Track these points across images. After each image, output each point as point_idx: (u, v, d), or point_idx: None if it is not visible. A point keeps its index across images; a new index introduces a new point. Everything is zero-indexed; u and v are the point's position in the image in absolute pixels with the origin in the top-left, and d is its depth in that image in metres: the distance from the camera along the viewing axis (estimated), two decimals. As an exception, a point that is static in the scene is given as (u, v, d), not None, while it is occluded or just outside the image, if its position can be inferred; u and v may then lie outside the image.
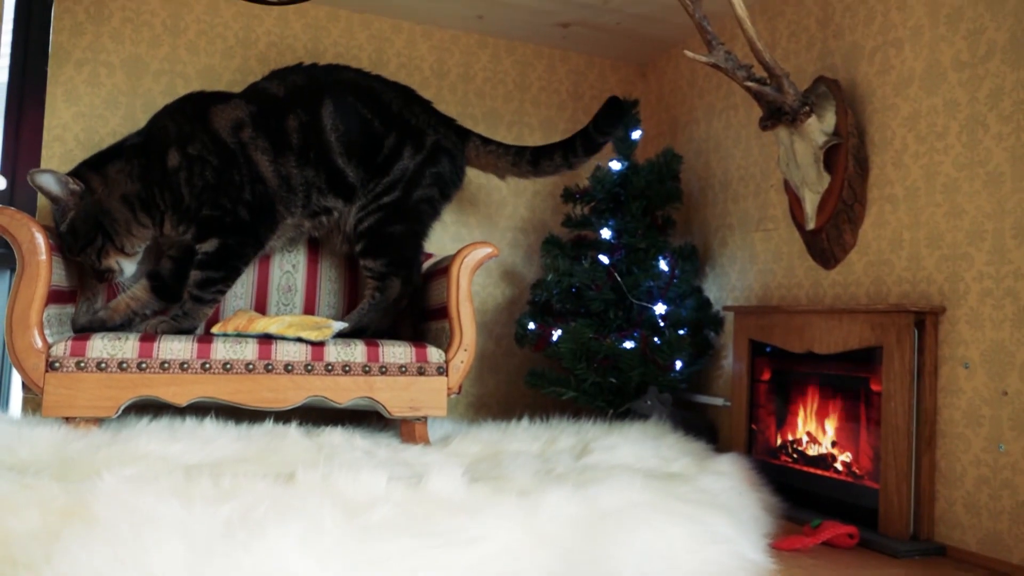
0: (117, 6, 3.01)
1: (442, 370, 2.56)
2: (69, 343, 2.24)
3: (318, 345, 2.46)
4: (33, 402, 2.69)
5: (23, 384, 2.25)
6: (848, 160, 2.49)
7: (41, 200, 2.91)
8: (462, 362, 2.59)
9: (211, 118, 2.61)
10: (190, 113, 2.61)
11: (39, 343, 2.22)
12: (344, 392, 2.45)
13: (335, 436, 2.35)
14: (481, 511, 1.64)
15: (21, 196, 3.04)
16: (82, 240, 2.46)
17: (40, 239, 2.25)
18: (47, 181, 2.42)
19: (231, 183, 2.56)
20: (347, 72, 2.83)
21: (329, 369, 2.44)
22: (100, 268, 2.51)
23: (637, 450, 2.42)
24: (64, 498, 1.42)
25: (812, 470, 2.54)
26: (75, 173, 2.49)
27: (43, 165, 2.91)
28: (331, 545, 1.38)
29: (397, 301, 2.74)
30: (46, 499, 1.42)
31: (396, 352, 2.52)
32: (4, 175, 3.10)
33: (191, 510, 1.37)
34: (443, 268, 2.72)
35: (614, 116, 2.98)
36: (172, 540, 1.25)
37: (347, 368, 2.46)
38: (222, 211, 2.55)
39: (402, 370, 2.52)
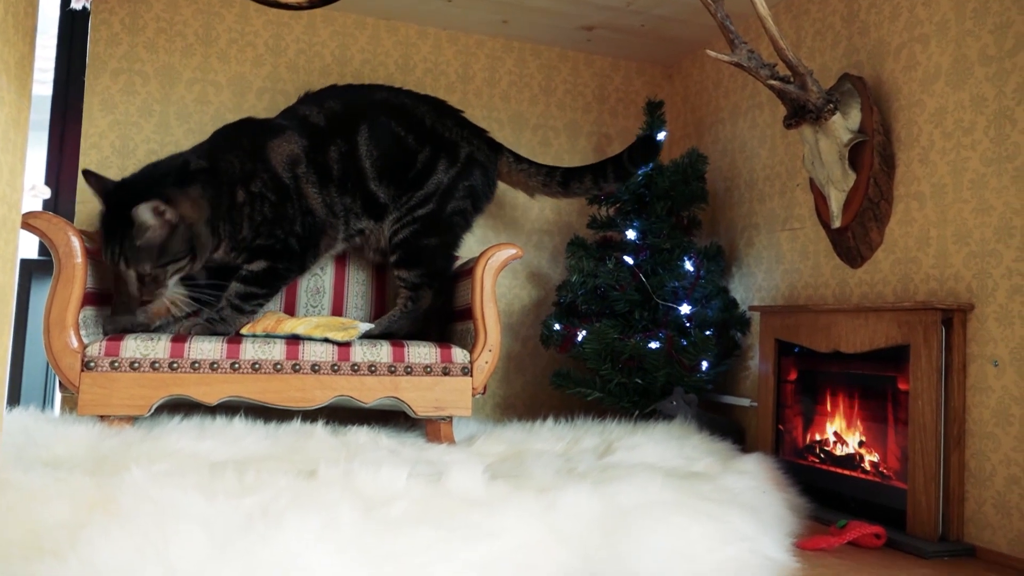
0: (151, 17, 3.10)
1: (467, 370, 2.59)
2: (104, 343, 2.31)
3: (344, 346, 2.50)
4: (70, 401, 2.77)
5: (60, 383, 2.32)
6: (874, 157, 2.47)
7: (80, 207, 3.00)
8: (487, 362, 2.61)
9: (269, 155, 2.64)
10: (249, 148, 2.64)
11: (75, 343, 2.29)
12: (370, 392, 2.49)
13: (361, 435, 2.38)
14: (499, 507, 1.66)
15: (64, 204, 3.14)
16: (168, 257, 2.41)
17: (76, 243, 2.32)
18: (145, 215, 2.35)
19: (285, 216, 2.63)
20: (380, 92, 2.87)
21: (355, 369, 2.48)
22: (159, 287, 2.44)
23: (661, 450, 2.41)
24: (93, 491, 1.47)
25: (839, 470, 2.51)
26: (164, 196, 2.37)
27: (80, 172, 3.00)
28: (348, 538, 1.41)
29: (427, 309, 2.79)
30: (76, 492, 1.47)
31: (421, 352, 2.55)
32: (48, 185, 3.20)
33: (213, 503, 1.41)
34: (468, 269, 2.74)
35: (648, 152, 3.01)
36: (193, 531, 1.28)
37: (373, 368, 2.50)
38: (275, 239, 2.62)
39: (427, 370, 2.55)
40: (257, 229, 2.61)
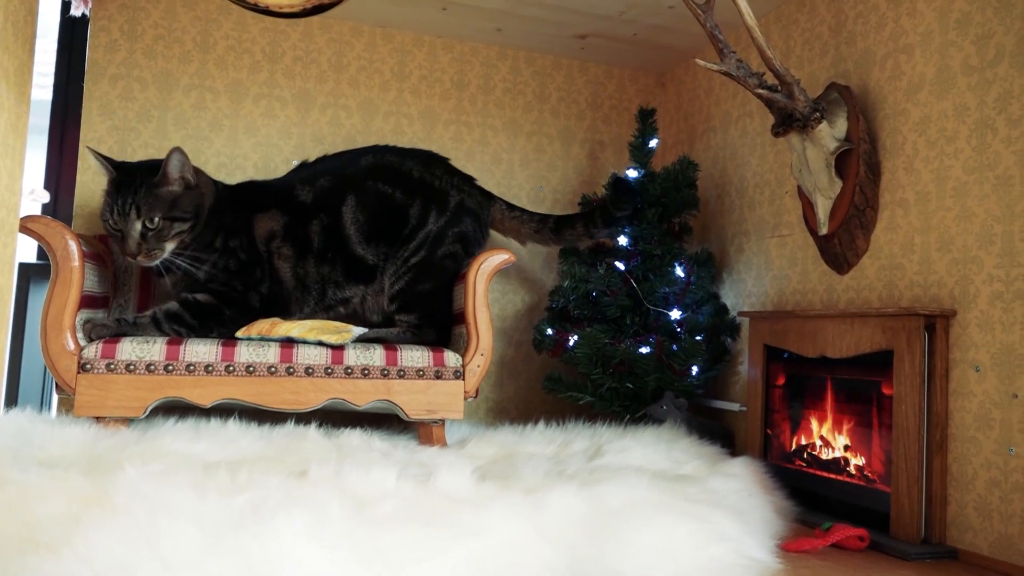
0: (150, 24, 3.14)
1: (459, 374, 2.62)
2: (100, 346, 2.34)
3: (338, 349, 2.53)
4: (66, 402, 2.80)
5: (56, 385, 2.35)
6: (860, 165, 2.51)
7: (78, 212, 3.04)
8: (479, 366, 2.65)
9: (254, 225, 2.74)
10: (242, 214, 2.73)
11: (71, 346, 2.32)
12: (363, 395, 2.52)
13: (354, 437, 2.41)
14: (486, 506, 1.69)
15: (63, 208, 3.18)
16: (177, 212, 2.54)
17: (73, 247, 2.36)
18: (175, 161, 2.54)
19: (252, 275, 2.69)
20: (366, 157, 2.91)
21: (348, 372, 2.52)
22: (161, 242, 2.52)
23: (649, 453, 2.44)
24: (88, 489, 1.50)
25: (826, 474, 2.55)
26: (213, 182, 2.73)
27: (79, 177, 3.04)
28: (338, 534, 1.44)
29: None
30: (71, 489, 1.50)
31: (414, 356, 2.59)
32: (47, 189, 3.24)
33: (206, 500, 1.45)
34: (461, 274, 2.78)
35: (624, 192, 3.05)
36: (185, 527, 1.32)
37: (366, 371, 2.53)
38: (229, 288, 2.63)
39: (420, 374, 2.58)
40: (214, 276, 2.63)
